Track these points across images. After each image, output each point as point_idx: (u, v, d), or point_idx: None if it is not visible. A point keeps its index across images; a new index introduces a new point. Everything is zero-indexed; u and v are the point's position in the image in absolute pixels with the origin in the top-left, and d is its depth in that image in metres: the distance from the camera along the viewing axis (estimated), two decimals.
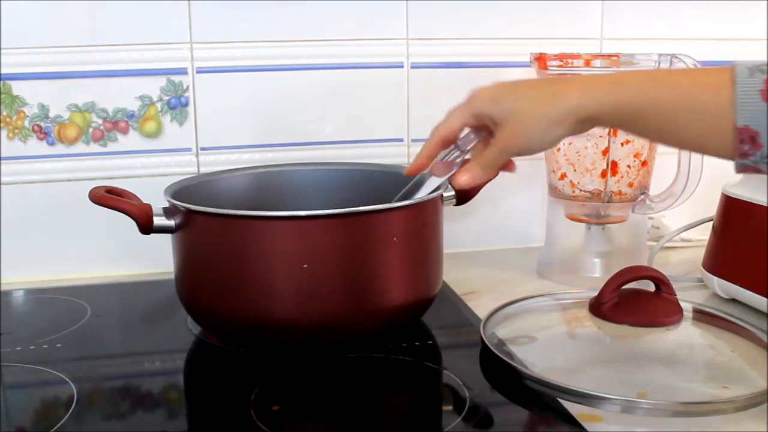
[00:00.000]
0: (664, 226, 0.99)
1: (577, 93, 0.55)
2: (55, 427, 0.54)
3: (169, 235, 0.69)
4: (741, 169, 0.51)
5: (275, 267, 0.63)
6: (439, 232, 0.72)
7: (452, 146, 0.63)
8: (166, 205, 0.68)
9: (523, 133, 0.56)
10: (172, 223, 0.67)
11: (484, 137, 0.61)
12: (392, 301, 0.67)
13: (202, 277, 0.67)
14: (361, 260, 0.64)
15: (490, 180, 0.63)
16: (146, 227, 0.67)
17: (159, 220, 0.67)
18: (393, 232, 0.65)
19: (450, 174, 0.64)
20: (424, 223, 0.69)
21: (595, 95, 0.54)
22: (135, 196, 0.70)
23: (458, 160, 0.63)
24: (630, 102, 0.53)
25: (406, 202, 0.66)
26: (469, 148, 0.63)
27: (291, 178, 0.85)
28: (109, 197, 0.68)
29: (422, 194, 0.67)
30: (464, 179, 0.61)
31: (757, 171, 0.51)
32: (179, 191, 0.71)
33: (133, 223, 0.69)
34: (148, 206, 0.68)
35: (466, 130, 0.62)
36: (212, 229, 0.65)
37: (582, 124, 0.56)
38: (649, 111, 0.53)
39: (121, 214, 0.67)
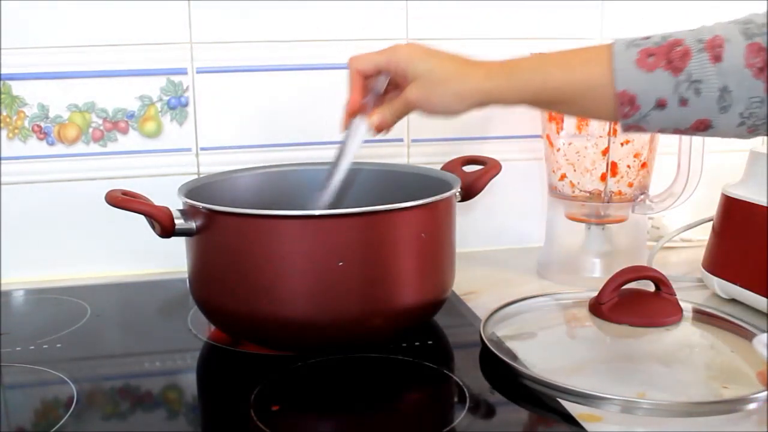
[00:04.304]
0: (664, 226, 0.99)
1: (483, 76, 0.62)
2: (55, 427, 0.54)
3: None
4: (626, 128, 0.58)
5: (302, 267, 0.63)
6: (453, 232, 0.72)
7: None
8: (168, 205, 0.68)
9: (429, 97, 0.63)
10: (192, 225, 0.66)
11: (394, 89, 0.67)
12: (410, 301, 0.67)
13: (223, 278, 0.66)
14: (385, 259, 0.65)
15: (392, 125, 0.67)
16: (168, 230, 0.65)
17: (179, 223, 0.66)
18: (417, 230, 0.66)
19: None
20: (442, 221, 0.69)
21: (496, 80, 0.61)
22: (146, 197, 0.69)
23: (371, 103, 0.68)
24: (527, 83, 0.60)
25: (426, 200, 0.66)
26: (382, 89, 0.67)
27: (291, 178, 0.85)
28: (128, 200, 0.66)
29: (353, 146, 0.68)
30: (375, 119, 0.67)
31: (639, 129, 0.58)
32: (188, 193, 0.69)
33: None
34: (167, 208, 0.66)
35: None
36: (239, 231, 0.64)
37: (482, 104, 0.62)
38: (546, 90, 0.60)
39: (134, 217, 0.66)
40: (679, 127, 0.57)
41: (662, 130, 0.58)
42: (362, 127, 0.67)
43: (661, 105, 0.55)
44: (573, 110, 0.63)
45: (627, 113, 0.56)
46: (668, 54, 0.54)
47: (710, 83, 0.53)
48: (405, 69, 0.64)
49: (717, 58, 0.53)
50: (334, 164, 0.69)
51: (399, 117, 0.66)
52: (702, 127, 0.56)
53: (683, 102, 0.54)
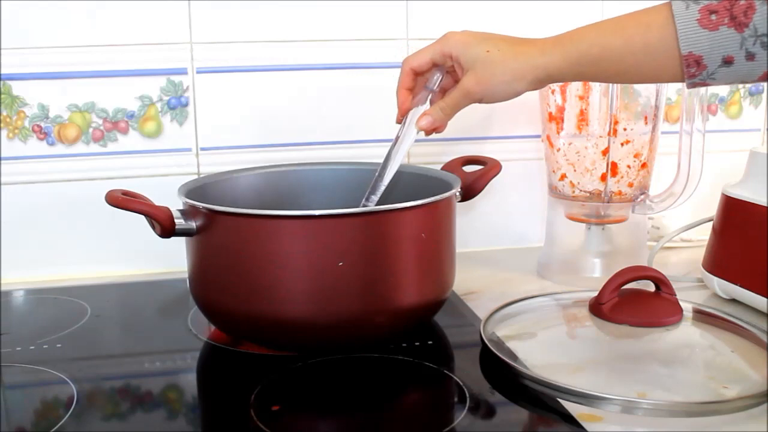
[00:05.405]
0: (664, 226, 0.99)
1: (538, 52, 0.61)
2: (55, 427, 0.54)
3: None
4: (691, 86, 0.58)
5: (302, 267, 0.63)
6: (453, 231, 0.72)
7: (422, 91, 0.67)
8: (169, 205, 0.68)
9: (488, 81, 0.62)
10: (192, 225, 0.66)
11: (445, 85, 0.67)
12: (411, 301, 0.67)
13: (223, 278, 0.65)
14: (385, 259, 0.65)
15: (445, 123, 0.67)
16: (168, 230, 0.65)
17: (179, 223, 0.65)
18: (417, 230, 0.66)
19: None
20: (442, 221, 0.69)
21: (551, 55, 0.61)
22: (146, 197, 0.69)
23: (426, 101, 0.67)
24: (585, 56, 0.60)
25: (426, 200, 0.66)
26: (435, 86, 0.67)
27: (291, 178, 0.85)
28: (128, 200, 0.66)
29: (404, 146, 0.68)
30: (423, 122, 0.66)
31: (705, 85, 0.58)
32: (188, 193, 0.69)
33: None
34: (167, 208, 0.66)
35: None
36: (239, 231, 0.64)
37: (541, 81, 0.62)
38: (604, 59, 0.59)
39: (134, 217, 0.66)
40: (746, 80, 0.56)
41: (729, 83, 0.58)
42: (414, 125, 0.67)
43: (728, 62, 0.54)
44: (634, 78, 0.62)
45: (693, 73, 0.56)
46: (731, 9, 0.53)
47: None
48: (459, 56, 0.63)
49: None
50: (384, 164, 0.69)
51: (455, 110, 0.65)
52: None
53: (750, 57, 0.54)
